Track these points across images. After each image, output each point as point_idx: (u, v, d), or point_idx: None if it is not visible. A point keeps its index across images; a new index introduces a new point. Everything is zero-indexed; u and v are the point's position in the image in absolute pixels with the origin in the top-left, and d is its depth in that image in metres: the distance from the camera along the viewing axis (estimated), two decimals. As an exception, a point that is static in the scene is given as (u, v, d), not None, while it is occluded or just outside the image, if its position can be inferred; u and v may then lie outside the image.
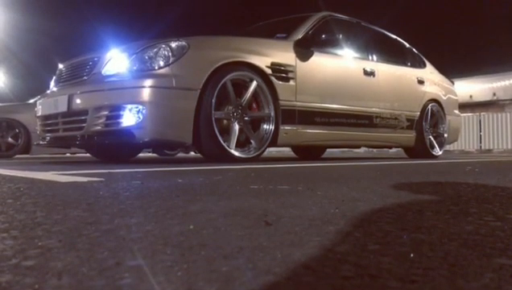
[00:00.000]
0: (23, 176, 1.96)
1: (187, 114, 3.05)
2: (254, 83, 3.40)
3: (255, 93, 3.46)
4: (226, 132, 3.32)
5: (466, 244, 0.63)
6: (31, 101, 7.00)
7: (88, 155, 4.73)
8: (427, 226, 0.76)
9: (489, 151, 14.15)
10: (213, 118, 3.13)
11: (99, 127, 3.08)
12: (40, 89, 7.31)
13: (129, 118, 2.97)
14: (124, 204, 1.03)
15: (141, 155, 7.26)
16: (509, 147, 14.06)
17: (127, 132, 2.99)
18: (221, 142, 3.17)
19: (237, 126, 3.33)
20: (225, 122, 3.34)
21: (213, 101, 3.14)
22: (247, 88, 3.39)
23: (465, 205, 1.02)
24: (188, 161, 3.42)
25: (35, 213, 0.89)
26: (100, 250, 0.58)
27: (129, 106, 2.97)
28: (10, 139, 6.18)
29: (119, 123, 3.01)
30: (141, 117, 2.95)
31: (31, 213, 0.88)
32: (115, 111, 3.03)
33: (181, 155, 9.07)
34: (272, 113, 3.53)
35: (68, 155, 8.45)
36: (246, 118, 3.40)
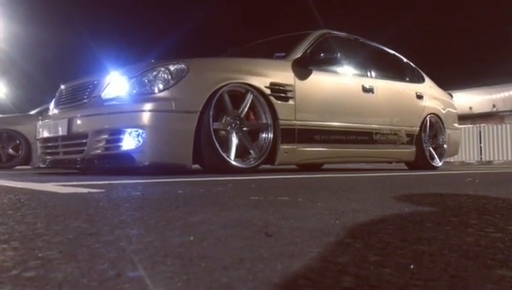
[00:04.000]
0: (24, 187, 1.96)
1: (187, 137, 3.07)
2: (250, 93, 3.43)
3: (252, 104, 3.48)
4: (225, 144, 3.33)
5: (466, 255, 0.63)
6: (32, 112, 7.02)
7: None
8: (428, 237, 0.76)
9: (490, 162, 14.13)
10: (212, 130, 3.15)
11: (99, 151, 3.10)
12: (41, 101, 7.34)
13: (129, 142, 2.99)
14: (124, 215, 1.02)
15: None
16: (510, 158, 14.04)
17: (127, 156, 3.01)
18: (221, 153, 3.18)
19: (235, 137, 3.34)
20: (223, 133, 3.36)
21: (211, 113, 3.16)
22: (244, 98, 3.42)
23: (466, 217, 1.02)
24: (188, 172, 3.41)
25: (36, 224, 0.89)
26: (100, 261, 0.58)
27: (129, 130, 2.99)
28: (10, 150, 6.19)
29: (119, 147, 3.03)
30: (141, 140, 2.97)
31: (32, 224, 0.88)
32: (115, 135, 3.05)
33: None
34: (270, 122, 3.55)
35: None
36: (245, 129, 3.41)
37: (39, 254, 0.62)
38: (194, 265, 0.57)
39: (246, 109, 3.42)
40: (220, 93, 3.23)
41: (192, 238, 0.74)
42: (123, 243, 0.70)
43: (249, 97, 3.43)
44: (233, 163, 3.25)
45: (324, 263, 0.58)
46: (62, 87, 3.83)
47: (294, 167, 6.68)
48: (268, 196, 1.48)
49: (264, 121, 3.53)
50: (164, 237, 0.75)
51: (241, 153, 3.45)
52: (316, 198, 1.44)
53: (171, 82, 3.10)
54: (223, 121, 3.33)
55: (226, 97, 3.30)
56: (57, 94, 3.86)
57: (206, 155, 3.20)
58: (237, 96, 3.42)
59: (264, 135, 3.55)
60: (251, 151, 3.46)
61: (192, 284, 0.48)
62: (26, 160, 6.26)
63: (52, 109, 3.85)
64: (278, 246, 0.68)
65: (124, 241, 0.72)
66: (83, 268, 0.55)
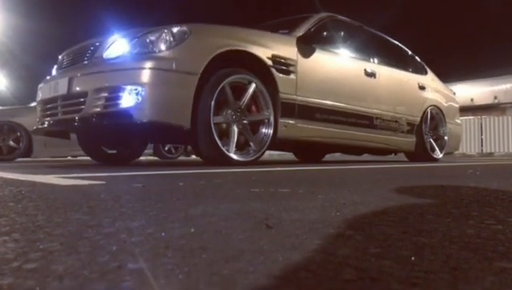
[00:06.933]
0: (24, 179, 1.97)
1: (186, 98, 3.05)
2: (253, 85, 3.40)
3: (254, 95, 3.46)
4: (225, 135, 3.32)
5: (467, 247, 0.63)
6: (33, 104, 7.00)
7: (89, 158, 4.74)
8: (429, 229, 0.76)
9: (491, 154, 14.13)
10: (212, 122, 3.12)
11: (98, 109, 3.06)
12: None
13: (128, 100, 2.96)
14: (125, 207, 1.03)
15: (142, 158, 7.27)
16: (511, 150, 14.04)
17: (126, 113, 2.97)
18: (220, 146, 3.16)
19: (236, 129, 3.33)
20: (224, 125, 3.34)
21: (212, 104, 3.13)
22: (246, 90, 3.39)
23: (466, 209, 1.02)
24: (189, 164, 3.42)
25: (37, 216, 0.90)
26: (101, 254, 0.58)
27: (128, 87, 2.96)
28: (11, 143, 6.19)
29: (118, 104, 2.99)
30: (140, 98, 2.93)
31: (33, 216, 0.88)
32: (114, 92, 3.01)
33: (182, 158, 9.08)
34: (272, 118, 3.52)
35: (69, 158, 8.46)
36: (245, 121, 3.40)
37: (40, 246, 0.62)
38: (195, 257, 0.57)
39: (247, 100, 3.39)
40: (222, 85, 3.21)
41: (192, 230, 0.74)
42: (124, 235, 0.70)
43: (252, 89, 3.40)
44: (232, 155, 3.24)
45: (325, 255, 0.58)
46: (63, 53, 3.76)
47: (294, 159, 6.68)
48: (269, 189, 1.48)
49: (266, 114, 3.51)
50: (165, 229, 0.75)
51: (241, 145, 3.44)
52: (317, 190, 1.44)
53: (173, 43, 3.08)
54: (224, 113, 3.31)
55: (228, 90, 3.27)
56: (59, 59, 3.81)
57: (204, 147, 3.19)
58: (239, 87, 3.40)
59: (264, 130, 3.53)
60: (251, 144, 3.45)
61: (193, 276, 0.48)
62: (27, 152, 6.27)
63: (53, 73, 3.79)
64: (279, 238, 0.68)
65: (125, 233, 0.72)
66: (84, 260, 0.55)
